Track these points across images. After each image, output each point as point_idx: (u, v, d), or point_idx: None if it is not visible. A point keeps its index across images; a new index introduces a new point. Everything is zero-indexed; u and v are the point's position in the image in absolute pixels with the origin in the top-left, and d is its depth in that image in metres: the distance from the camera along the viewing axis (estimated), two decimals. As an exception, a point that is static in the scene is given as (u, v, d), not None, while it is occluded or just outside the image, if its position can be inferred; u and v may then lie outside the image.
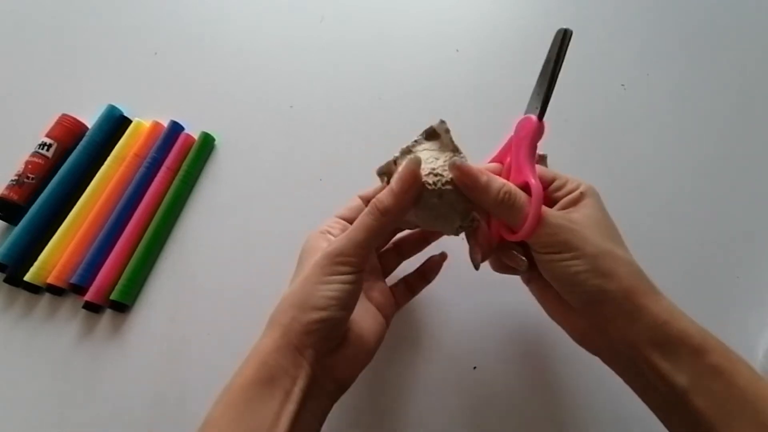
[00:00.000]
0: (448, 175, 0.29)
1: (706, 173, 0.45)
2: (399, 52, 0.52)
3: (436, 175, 0.28)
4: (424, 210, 0.29)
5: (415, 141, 0.31)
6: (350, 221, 0.32)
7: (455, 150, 0.30)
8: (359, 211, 0.32)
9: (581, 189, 0.29)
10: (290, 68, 0.52)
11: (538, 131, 0.28)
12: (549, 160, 0.45)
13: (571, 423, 0.36)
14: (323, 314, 0.26)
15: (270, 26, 0.54)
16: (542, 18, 0.53)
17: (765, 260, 0.40)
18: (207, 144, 0.47)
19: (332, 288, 0.26)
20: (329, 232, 0.30)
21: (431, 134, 0.31)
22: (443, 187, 0.28)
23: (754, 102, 0.48)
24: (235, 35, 0.54)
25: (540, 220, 0.26)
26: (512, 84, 0.50)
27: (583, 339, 0.29)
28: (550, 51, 0.27)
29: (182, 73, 0.52)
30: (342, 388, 0.28)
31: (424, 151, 0.30)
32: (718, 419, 0.23)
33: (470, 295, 0.40)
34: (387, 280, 0.36)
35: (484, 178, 0.27)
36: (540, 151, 0.44)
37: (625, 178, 0.44)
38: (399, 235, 0.37)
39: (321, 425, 0.27)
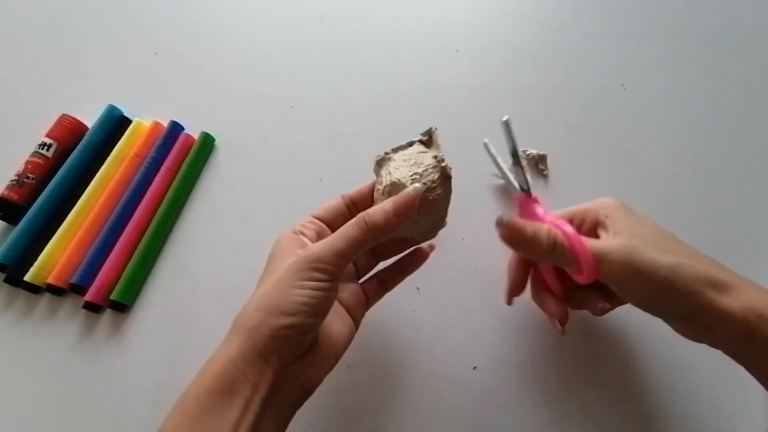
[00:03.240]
0: (432, 183, 0.29)
1: (706, 173, 0.45)
2: (399, 52, 0.52)
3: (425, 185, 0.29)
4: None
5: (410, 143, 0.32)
6: (326, 222, 0.31)
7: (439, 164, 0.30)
8: (335, 213, 0.31)
9: (604, 215, 0.29)
10: (290, 68, 0.52)
11: (534, 200, 0.32)
12: (549, 160, 0.45)
13: (571, 422, 0.36)
14: (293, 320, 0.25)
15: (270, 26, 0.54)
16: (542, 18, 0.53)
17: (766, 260, 0.40)
18: (207, 144, 0.47)
19: (305, 294, 0.25)
20: (303, 233, 0.29)
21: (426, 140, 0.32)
22: (424, 205, 0.29)
23: (753, 101, 0.48)
24: (235, 35, 0.54)
25: (591, 257, 0.27)
26: (512, 84, 0.50)
27: None
28: (508, 143, 0.30)
29: (182, 73, 0.52)
30: (306, 394, 0.27)
31: (420, 154, 0.30)
32: None
33: (470, 295, 0.40)
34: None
35: (530, 229, 0.27)
36: (540, 151, 0.45)
37: (624, 178, 0.44)
38: None
39: None
